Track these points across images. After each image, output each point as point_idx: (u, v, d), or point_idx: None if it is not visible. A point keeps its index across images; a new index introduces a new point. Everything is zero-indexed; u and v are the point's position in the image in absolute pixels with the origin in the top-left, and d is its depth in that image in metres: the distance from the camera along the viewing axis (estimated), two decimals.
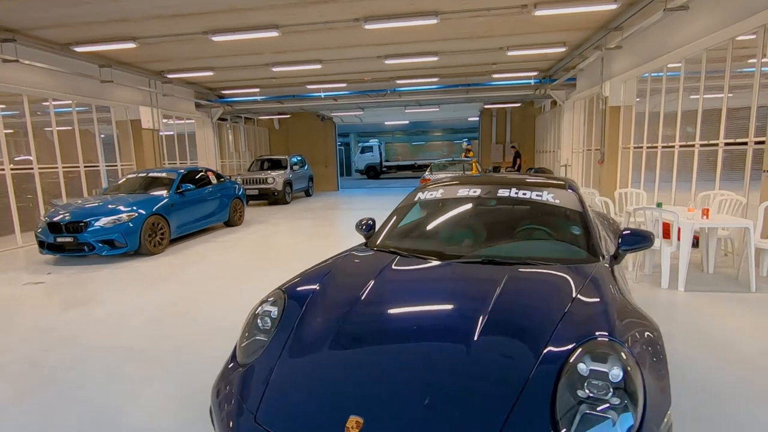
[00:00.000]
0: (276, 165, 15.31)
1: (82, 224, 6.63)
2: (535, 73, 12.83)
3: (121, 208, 7.03)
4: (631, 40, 8.22)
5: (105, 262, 6.82)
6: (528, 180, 3.14)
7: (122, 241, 6.79)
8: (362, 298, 2.10)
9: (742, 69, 7.91)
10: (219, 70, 10.95)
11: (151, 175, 8.64)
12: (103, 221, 6.75)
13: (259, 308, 2.19)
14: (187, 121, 13.71)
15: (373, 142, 29.35)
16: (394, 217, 3.21)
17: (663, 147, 8.11)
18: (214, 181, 9.50)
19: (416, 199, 3.29)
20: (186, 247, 7.78)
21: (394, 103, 14.75)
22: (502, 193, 3.00)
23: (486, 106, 17.47)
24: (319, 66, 10.50)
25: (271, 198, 14.08)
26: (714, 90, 8.63)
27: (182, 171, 8.62)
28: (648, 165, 8.80)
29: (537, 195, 2.93)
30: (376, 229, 3.23)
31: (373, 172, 28.76)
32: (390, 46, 9.45)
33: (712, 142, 6.81)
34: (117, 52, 9.16)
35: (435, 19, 7.33)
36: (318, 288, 2.24)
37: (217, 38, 7.94)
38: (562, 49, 10.01)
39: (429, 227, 3.10)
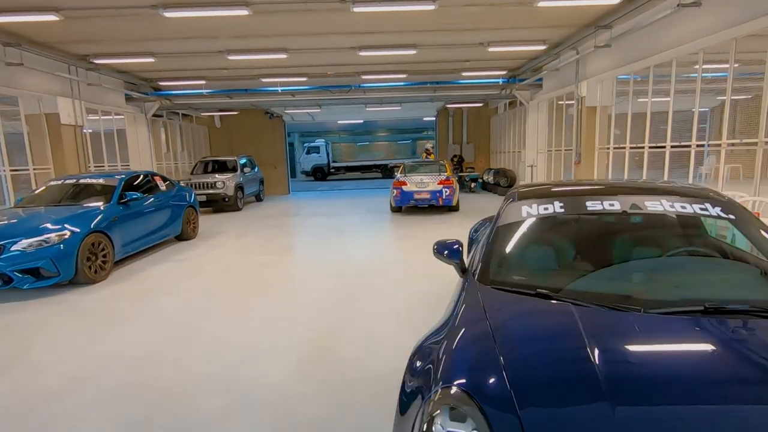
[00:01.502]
0: (222, 167, 13.67)
1: None
2: (503, 72, 12.59)
3: (48, 225, 5.43)
4: (614, 40, 8.04)
5: (29, 297, 5.19)
6: (673, 188, 2.46)
7: (52, 270, 5.21)
8: (613, 377, 1.37)
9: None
10: (161, 56, 9.29)
11: (82, 181, 6.97)
12: (24, 244, 5.13)
13: (435, 427, 1.25)
14: (115, 117, 11.68)
15: (319, 142, 27.97)
16: (502, 240, 2.38)
17: (650, 147, 8.06)
18: (162, 187, 7.96)
19: (524, 214, 2.47)
20: (135, 271, 6.28)
21: (356, 101, 13.80)
22: (653, 206, 2.28)
23: (448, 106, 17.08)
24: (284, 56, 9.27)
25: (220, 204, 12.48)
26: (686, 92, 8.79)
27: (124, 176, 7.04)
28: (630, 165, 8.77)
29: (701, 209, 2.25)
30: (467, 253, 2.39)
31: (320, 174, 27.42)
32: (367, 35, 8.53)
33: (713, 142, 6.78)
34: (31, 26, 7.27)
35: (432, 5, 6.56)
36: (509, 373, 1.36)
37: (169, 14, 6.50)
38: (541, 47, 9.74)
39: (570, 256, 2.30)
